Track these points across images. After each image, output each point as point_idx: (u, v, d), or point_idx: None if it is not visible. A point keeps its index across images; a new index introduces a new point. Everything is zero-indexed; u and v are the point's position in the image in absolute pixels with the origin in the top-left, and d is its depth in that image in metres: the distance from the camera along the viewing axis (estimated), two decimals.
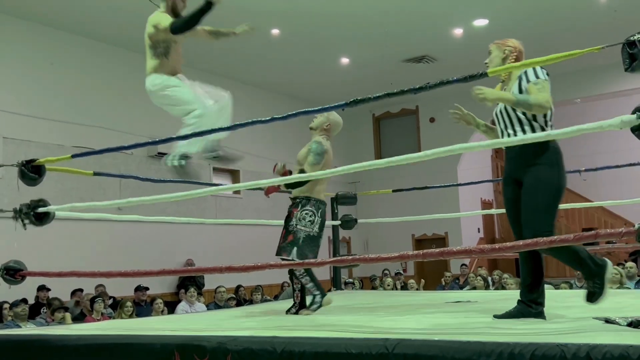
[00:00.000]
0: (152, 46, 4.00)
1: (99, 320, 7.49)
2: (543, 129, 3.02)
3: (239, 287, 10.33)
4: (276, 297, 9.88)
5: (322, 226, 4.13)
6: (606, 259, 3.07)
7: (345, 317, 3.72)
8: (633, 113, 2.28)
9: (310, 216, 4.07)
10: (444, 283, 11.03)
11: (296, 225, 4.04)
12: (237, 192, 12.28)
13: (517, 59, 3.21)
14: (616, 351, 1.94)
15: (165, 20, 3.93)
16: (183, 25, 3.88)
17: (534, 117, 3.02)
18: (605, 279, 2.96)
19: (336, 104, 3.08)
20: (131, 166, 10.26)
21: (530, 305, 3.03)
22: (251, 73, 12.26)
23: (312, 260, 3.98)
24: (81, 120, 9.82)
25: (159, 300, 8.25)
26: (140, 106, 10.78)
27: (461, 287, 10.12)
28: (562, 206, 6.10)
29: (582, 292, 4.80)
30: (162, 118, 10.77)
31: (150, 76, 4.01)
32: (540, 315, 3.00)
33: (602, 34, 9.24)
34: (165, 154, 11.27)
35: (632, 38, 2.32)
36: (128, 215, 5.99)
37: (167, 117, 11.47)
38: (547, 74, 3.08)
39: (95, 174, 5.10)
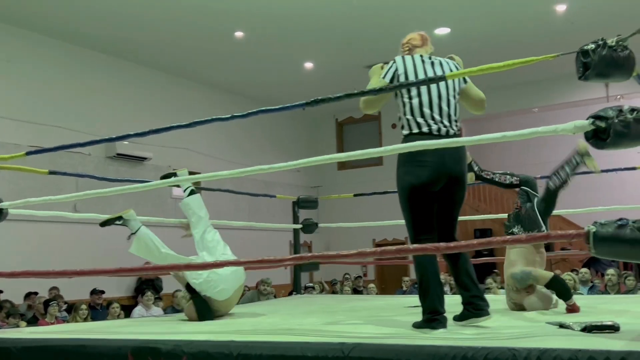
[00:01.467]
0: None
1: (52, 323, 7.32)
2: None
3: None
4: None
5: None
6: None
7: (304, 320, 3.71)
8: (588, 119, 2.32)
9: None
10: (404, 287, 11.10)
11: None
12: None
13: (410, 50, 3.28)
14: (565, 355, 1.97)
15: None
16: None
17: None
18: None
19: (297, 103, 3.08)
20: (89, 167, 10.07)
21: (467, 308, 2.97)
22: (214, 75, 12.18)
23: (271, 258, 3.95)
24: (39, 119, 9.60)
25: (115, 304, 8.10)
26: (100, 106, 10.64)
27: None
28: None
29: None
30: (121, 119, 10.69)
31: None
32: (482, 313, 2.92)
33: (559, 44, 9.45)
34: (124, 155, 11.03)
35: (585, 47, 2.37)
36: (84, 214, 5.86)
37: (125, 117, 11.32)
38: (385, 77, 3.15)
39: (51, 172, 5.00)
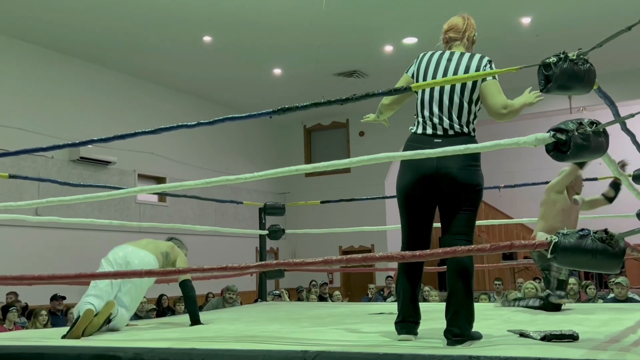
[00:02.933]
0: (164, 255, 4.38)
1: (11, 330, 7.14)
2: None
3: (161, 296, 10.08)
4: (200, 308, 9.71)
5: None
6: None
7: (268, 327, 3.69)
8: (548, 132, 2.36)
9: None
10: (369, 295, 11.14)
11: None
12: (162, 199, 12.03)
13: (447, 43, 3.08)
14: None
15: (184, 265, 4.35)
16: (189, 290, 4.28)
17: None
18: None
19: (265, 111, 3.06)
20: (52, 170, 9.88)
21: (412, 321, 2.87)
22: (182, 79, 12.08)
23: (235, 265, 3.93)
24: (1, 121, 9.39)
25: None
26: (65, 109, 10.46)
27: (385, 299, 10.25)
28: (483, 222, 6.24)
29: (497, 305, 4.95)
30: (86, 122, 10.53)
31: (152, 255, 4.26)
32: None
33: (524, 56, 9.64)
34: (88, 158, 10.88)
35: (547, 60, 2.41)
36: (46, 217, 5.74)
37: (91, 121, 11.17)
38: (408, 71, 3.03)
39: (11, 176, 4.88)
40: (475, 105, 2.88)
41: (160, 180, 12.13)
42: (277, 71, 11.97)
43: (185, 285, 4.21)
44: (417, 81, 2.94)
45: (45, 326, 7.16)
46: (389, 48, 10.94)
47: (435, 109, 2.87)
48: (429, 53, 3.00)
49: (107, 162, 10.88)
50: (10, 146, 8.45)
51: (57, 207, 8.60)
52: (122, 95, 11.47)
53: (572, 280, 8.13)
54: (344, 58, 11.35)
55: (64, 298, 9.00)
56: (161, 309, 9.67)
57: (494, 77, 2.86)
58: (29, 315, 7.96)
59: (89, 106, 10.82)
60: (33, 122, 9.79)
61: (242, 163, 13.75)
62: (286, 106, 2.97)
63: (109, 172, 10.96)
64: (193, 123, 3.24)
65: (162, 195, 11.64)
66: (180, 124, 3.30)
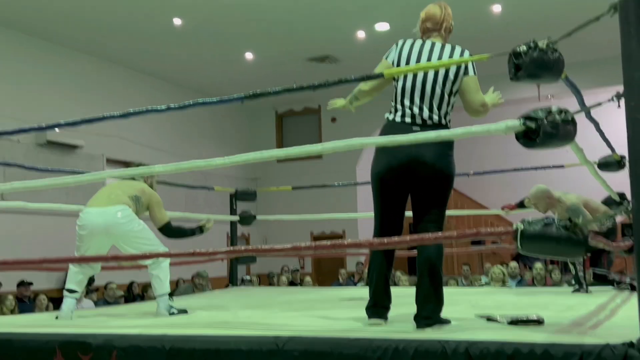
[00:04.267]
0: (134, 199, 4.00)
1: None
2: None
3: (131, 283, 10.01)
4: (171, 295, 9.66)
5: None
6: None
7: (239, 313, 3.70)
8: (518, 119, 2.39)
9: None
10: (340, 280, 11.21)
11: None
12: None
13: (424, 34, 3.08)
14: (492, 347, 2.04)
15: (160, 209, 4.14)
16: (173, 234, 4.15)
17: None
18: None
19: (235, 96, 3.04)
20: (17, 154, 9.67)
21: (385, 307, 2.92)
22: (152, 62, 11.90)
23: (203, 251, 3.93)
24: None
25: (42, 296, 7.84)
26: (32, 92, 10.24)
27: (356, 284, 10.33)
28: (452, 212, 6.30)
29: (469, 290, 5.04)
30: (53, 105, 10.33)
31: (119, 206, 3.88)
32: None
33: (495, 44, 9.73)
34: (55, 142, 10.67)
35: (517, 49, 2.44)
36: (12, 202, 5.64)
37: (58, 104, 10.95)
38: (387, 57, 3.01)
39: None
40: (454, 97, 2.93)
41: (128, 164, 11.96)
42: (249, 55, 11.88)
43: (168, 230, 4.02)
44: (398, 65, 2.93)
45: (12, 312, 7.06)
46: (361, 34, 10.93)
47: (417, 99, 2.88)
48: (410, 41, 3.01)
49: (75, 147, 10.70)
50: None
51: (23, 192, 8.45)
52: (91, 79, 11.27)
53: (538, 265, 8.29)
54: (316, 43, 11.31)
55: (30, 284, 8.88)
56: (131, 295, 9.61)
57: (474, 74, 2.92)
58: None
59: (57, 89, 10.61)
60: None
61: (212, 148, 13.64)
62: (258, 91, 2.96)
63: (76, 157, 10.78)
64: (163, 107, 3.21)
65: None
66: (149, 108, 3.26)
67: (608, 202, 5.24)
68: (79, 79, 11.06)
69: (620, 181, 4.41)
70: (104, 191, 4.02)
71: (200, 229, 4.03)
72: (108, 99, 11.28)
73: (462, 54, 2.92)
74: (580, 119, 2.64)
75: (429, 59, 2.91)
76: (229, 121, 14.61)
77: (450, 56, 2.92)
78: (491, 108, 2.99)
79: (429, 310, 2.70)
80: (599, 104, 2.43)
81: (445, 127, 2.90)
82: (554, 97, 14.39)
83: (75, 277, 3.96)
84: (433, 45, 2.97)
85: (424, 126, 2.86)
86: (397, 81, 2.96)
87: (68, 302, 3.90)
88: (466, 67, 2.90)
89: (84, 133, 10.49)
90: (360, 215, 11.80)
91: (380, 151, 2.92)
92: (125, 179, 4.25)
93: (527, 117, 2.36)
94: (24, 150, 9.94)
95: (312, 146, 2.81)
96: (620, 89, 2.01)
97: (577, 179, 13.83)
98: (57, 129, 9.84)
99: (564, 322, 2.69)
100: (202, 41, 10.93)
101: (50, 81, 10.55)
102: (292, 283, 10.87)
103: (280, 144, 15.49)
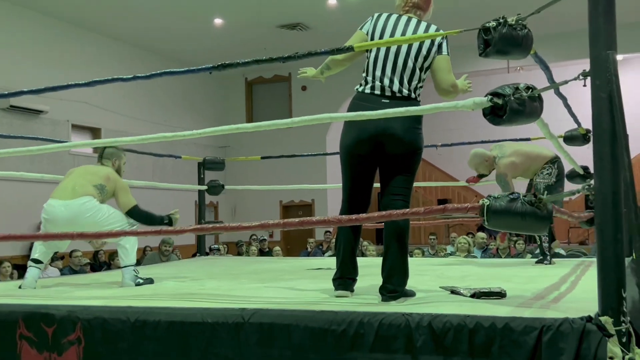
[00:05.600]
0: (98, 188, 3.92)
1: None
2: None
3: (97, 251, 9.91)
4: (138, 262, 9.60)
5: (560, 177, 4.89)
6: None
7: (206, 284, 3.69)
8: (486, 96, 2.40)
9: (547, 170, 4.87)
10: (308, 249, 11.28)
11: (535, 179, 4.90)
12: (97, 151, 11.70)
13: (408, 11, 3.04)
14: (455, 320, 2.08)
15: (126, 194, 4.02)
16: (140, 218, 3.97)
17: None
18: None
19: (204, 66, 2.99)
20: None
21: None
22: (119, 27, 11.63)
23: (169, 229, 3.92)
24: None
25: (6, 264, 7.73)
26: None
27: (324, 253, 10.40)
28: (420, 184, 6.35)
29: (432, 260, 5.11)
30: (17, 69, 10.04)
31: (84, 197, 3.80)
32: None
33: (467, 16, 9.74)
34: (19, 107, 10.40)
35: (487, 25, 2.44)
36: None
37: (22, 68, 10.65)
38: (362, 28, 2.99)
39: None
40: (425, 73, 2.93)
41: (95, 131, 11.76)
42: (218, 21, 11.68)
43: (135, 214, 3.93)
44: (372, 40, 2.92)
45: None
46: (332, 2, 10.82)
47: (388, 70, 2.87)
48: (386, 14, 3.00)
49: (39, 112, 10.46)
50: None
51: None
52: (57, 43, 10.97)
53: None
54: (287, 10, 11.17)
55: None
56: (97, 263, 9.53)
57: (448, 54, 2.92)
58: None
59: (21, 53, 10.31)
60: None
61: (181, 115, 13.47)
62: (227, 62, 2.91)
63: (41, 122, 10.55)
64: (129, 77, 3.14)
65: (97, 148, 11.31)
66: (116, 76, 3.19)
67: (572, 174, 5.34)
68: (46, 43, 10.76)
69: (584, 153, 4.52)
70: (69, 182, 3.95)
71: (170, 220, 4.00)
72: (75, 64, 11.01)
73: (436, 30, 2.91)
74: (548, 93, 2.66)
75: (403, 34, 2.90)
76: (199, 87, 14.41)
77: (427, 31, 2.91)
78: (461, 93, 3.00)
79: (394, 283, 2.73)
80: (566, 82, 2.44)
81: (415, 100, 2.90)
82: (523, 69, 14.52)
83: (41, 249, 3.91)
84: (409, 20, 2.96)
85: (394, 99, 2.85)
86: (370, 52, 2.95)
87: (32, 271, 3.86)
88: (440, 46, 2.90)
89: (49, 98, 10.25)
90: (330, 187, 11.85)
91: (349, 124, 2.91)
92: (90, 165, 4.19)
93: (494, 94, 2.37)
94: None
95: (281, 121, 2.78)
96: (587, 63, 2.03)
97: None
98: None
99: (526, 294, 2.75)
100: (170, 6, 10.71)
101: (14, 45, 10.25)
102: (261, 252, 10.89)
103: (250, 112, 15.37)
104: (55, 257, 8.66)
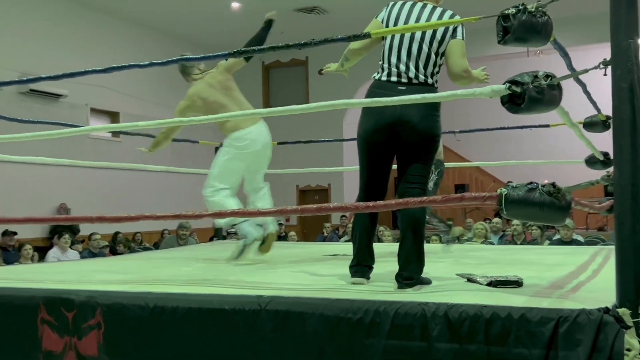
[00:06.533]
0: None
1: None
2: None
3: (116, 234, 10.03)
4: (156, 246, 9.71)
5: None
6: None
7: (223, 269, 3.72)
8: (504, 84, 2.38)
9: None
10: (325, 233, 11.31)
11: None
12: (116, 135, 11.79)
13: None
14: (471, 310, 2.08)
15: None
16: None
17: None
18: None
19: (221, 52, 2.99)
20: (0, 103, 9.53)
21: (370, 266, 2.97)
22: (137, 12, 11.65)
23: (189, 213, 3.93)
24: None
25: (28, 246, 7.85)
26: (14, 39, 10.00)
27: (340, 238, 10.43)
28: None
29: (452, 247, 5.10)
30: (36, 53, 10.11)
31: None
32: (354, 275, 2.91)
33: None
34: (38, 91, 10.47)
35: (506, 11, 2.41)
36: None
37: (42, 52, 10.70)
38: (378, 16, 3.00)
39: None
40: (441, 58, 2.91)
41: (113, 115, 11.84)
42: (235, 5, 11.65)
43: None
44: (386, 27, 2.91)
45: None
46: None
47: (404, 56, 2.87)
48: (400, 2, 2.99)
49: (58, 95, 10.54)
50: None
51: (5, 142, 8.34)
52: (75, 27, 11.02)
53: (515, 221, 8.38)
54: None
55: (15, 233, 8.88)
56: (115, 246, 9.64)
57: (462, 38, 2.90)
58: None
59: (39, 37, 10.37)
60: None
61: None
62: (241, 49, 2.92)
63: (59, 106, 10.63)
64: (146, 63, 3.15)
65: (116, 132, 11.39)
66: (132, 63, 3.20)
67: (592, 160, 5.28)
68: (64, 27, 10.82)
69: (604, 139, 4.46)
70: (242, 105, 4.23)
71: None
72: (94, 47, 11.06)
73: (451, 18, 2.89)
74: (566, 81, 2.63)
75: (417, 20, 2.89)
76: None
77: (439, 19, 2.89)
78: (474, 81, 2.98)
79: (410, 271, 2.73)
80: (586, 71, 2.40)
81: (432, 86, 2.89)
82: (542, 52, 14.31)
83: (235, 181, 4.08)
84: (424, 6, 2.95)
85: (410, 85, 2.85)
86: (385, 39, 2.94)
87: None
88: (455, 30, 2.88)
89: (68, 82, 10.30)
90: (346, 169, 11.85)
91: (366, 112, 2.91)
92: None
93: (513, 82, 2.34)
94: (6, 99, 9.79)
95: (296, 107, 2.79)
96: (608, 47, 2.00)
97: (562, 137, 13.88)
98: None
99: (542, 283, 2.74)
100: None
101: (33, 28, 10.31)
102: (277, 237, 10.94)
103: (267, 96, 15.35)
104: (75, 241, 8.78)
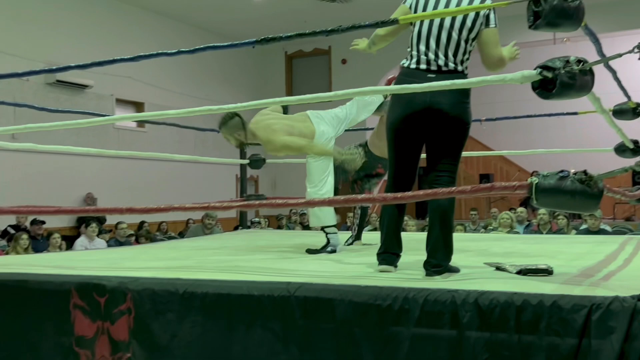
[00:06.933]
0: None
1: None
2: None
3: (142, 223, 10.14)
4: (181, 235, 9.80)
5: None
6: None
7: (251, 257, 3.74)
8: (535, 69, 2.35)
9: None
10: (348, 223, 11.29)
11: None
12: (141, 125, 11.89)
13: None
14: (502, 298, 2.07)
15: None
16: None
17: None
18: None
19: (247, 40, 3.00)
20: (27, 94, 9.65)
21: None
22: (162, 2, 11.70)
23: (220, 205, 3.96)
24: None
25: (56, 235, 7.97)
26: (40, 30, 10.12)
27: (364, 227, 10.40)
28: (463, 154, 6.29)
29: (475, 236, 5.07)
30: (62, 44, 10.22)
31: None
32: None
33: None
34: (64, 82, 10.59)
35: None
36: (22, 143, 5.65)
37: (68, 43, 10.82)
38: (405, 2, 2.94)
39: None
40: (471, 45, 2.86)
41: (138, 105, 11.94)
42: None
43: None
44: (415, 13, 2.87)
45: (26, 251, 7.18)
46: None
47: (432, 44, 2.82)
48: None
49: (84, 86, 10.66)
50: None
51: (34, 132, 8.46)
52: (101, 18, 11.12)
53: (542, 210, 8.29)
54: None
55: (43, 222, 9.02)
56: (142, 235, 9.74)
57: (495, 26, 2.84)
58: (9, 238, 7.99)
59: (65, 28, 10.49)
60: (6, 43, 9.50)
61: (221, 89, 13.55)
62: (269, 36, 2.91)
63: (86, 96, 10.75)
64: (173, 51, 3.18)
65: (141, 122, 11.50)
66: (160, 51, 3.23)
67: (621, 148, 5.20)
68: (89, 17, 10.92)
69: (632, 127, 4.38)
70: None
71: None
72: (118, 38, 11.15)
73: (482, 2, 2.84)
74: (597, 67, 2.59)
75: (446, 6, 2.84)
76: (239, 62, 14.44)
77: (470, 3, 2.84)
78: (508, 62, 2.94)
79: (438, 258, 2.72)
80: (620, 55, 2.36)
81: (462, 74, 2.85)
82: (569, 40, 14.10)
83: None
84: None
85: (440, 73, 2.81)
86: (414, 26, 2.91)
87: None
88: (487, 18, 2.82)
89: (94, 73, 10.40)
90: None
91: (395, 101, 2.89)
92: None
93: (544, 67, 2.31)
94: (34, 89, 9.92)
95: (323, 95, 2.78)
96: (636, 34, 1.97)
97: (589, 125, 13.69)
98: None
99: (572, 271, 2.71)
100: None
101: (60, 20, 10.43)
102: (301, 225, 10.97)
103: (290, 86, 15.34)
104: (103, 230, 8.90)
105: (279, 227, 10.74)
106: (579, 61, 2.30)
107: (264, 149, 3.98)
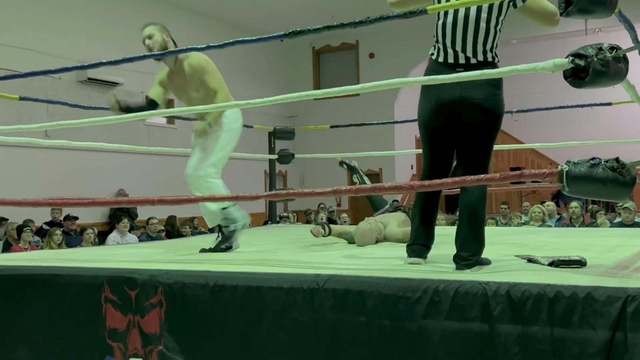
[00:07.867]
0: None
1: (26, 249, 7.32)
2: None
3: (172, 218, 10.25)
4: (211, 230, 9.86)
5: None
6: None
7: (279, 251, 3.76)
8: (567, 57, 2.30)
9: None
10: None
11: None
12: (171, 122, 12.00)
13: None
14: (534, 290, 2.03)
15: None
16: None
17: None
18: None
19: (275, 34, 3.00)
20: (60, 91, 9.82)
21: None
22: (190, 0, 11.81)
23: (246, 195, 3.96)
24: (6, 41, 9.27)
25: (90, 230, 8.10)
26: (71, 29, 10.28)
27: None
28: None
29: (506, 230, 5.00)
30: (93, 42, 10.37)
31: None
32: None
33: None
34: (96, 79, 10.73)
35: None
36: (55, 140, 5.75)
37: (99, 40, 10.94)
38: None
39: (22, 98, 4.87)
40: (500, 27, 2.77)
41: (168, 101, 12.04)
42: None
43: None
44: (439, 3, 2.81)
45: (59, 246, 7.32)
46: None
47: (458, 37, 2.74)
48: None
49: (115, 83, 10.80)
50: (15, 66, 8.38)
51: (67, 129, 8.60)
52: (130, 14, 11.24)
53: (574, 204, 8.16)
54: None
55: (76, 218, 9.17)
56: (171, 230, 9.85)
57: None
58: (44, 234, 8.14)
59: (96, 25, 10.64)
60: (39, 41, 9.67)
61: (248, 85, 13.59)
62: (297, 29, 2.90)
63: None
64: (202, 46, 3.20)
65: (171, 118, 11.61)
66: (189, 47, 3.25)
67: None
68: (119, 15, 11.05)
69: None
70: None
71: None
72: None
73: None
74: (632, 55, 2.53)
75: None
76: (265, 57, 14.48)
77: None
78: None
79: (469, 250, 2.68)
80: None
81: (492, 63, 2.77)
82: (601, 30, 13.82)
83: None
84: None
85: (468, 65, 2.74)
86: (438, 17, 2.84)
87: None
88: None
89: (124, 70, 10.55)
90: (398, 153, 11.77)
91: (424, 96, 2.84)
92: None
93: (576, 55, 2.26)
94: (66, 87, 10.09)
95: (352, 87, 2.76)
96: None
97: (624, 116, 13.43)
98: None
99: (606, 263, 2.66)
100: None
101: (91, 17, 10.57)
102: (329, 220, 10.97)
103: (318, 81, 15.34)
104: (134, 225, 9.02)
105: (307, 222, 10.76)
106: (612, 48, 2.25)
107: (188, 74, 3.97)
